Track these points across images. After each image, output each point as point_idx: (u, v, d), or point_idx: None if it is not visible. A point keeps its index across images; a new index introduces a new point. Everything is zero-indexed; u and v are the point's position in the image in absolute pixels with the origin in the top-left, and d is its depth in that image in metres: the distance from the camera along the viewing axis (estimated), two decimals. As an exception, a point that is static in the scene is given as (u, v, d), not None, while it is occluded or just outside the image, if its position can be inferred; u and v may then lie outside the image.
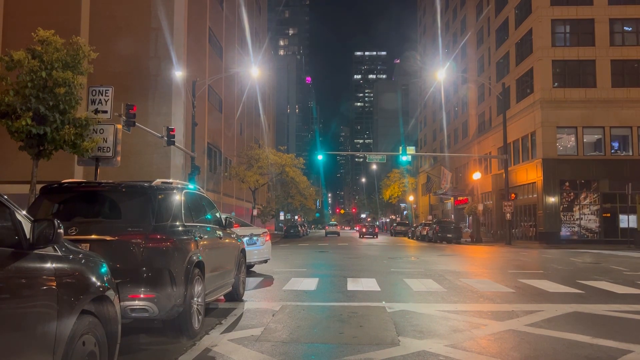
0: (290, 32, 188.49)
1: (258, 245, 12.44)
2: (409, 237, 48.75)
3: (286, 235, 49.92)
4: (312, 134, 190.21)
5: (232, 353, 4.87)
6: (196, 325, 5.61)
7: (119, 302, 3.72)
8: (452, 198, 53.62)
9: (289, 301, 8.02)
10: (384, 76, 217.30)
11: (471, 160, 47.92)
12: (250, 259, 11.28)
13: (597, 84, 32.70)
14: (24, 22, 24.22)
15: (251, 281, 10.61)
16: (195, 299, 5.59)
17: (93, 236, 4.96)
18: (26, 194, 12.64)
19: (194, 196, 6.53)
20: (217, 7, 39.05)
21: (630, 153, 32.39)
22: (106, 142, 14.31)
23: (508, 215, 31.04)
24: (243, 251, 8.48)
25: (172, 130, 22.63)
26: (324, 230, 74.78)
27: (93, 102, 14.39)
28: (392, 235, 60.20)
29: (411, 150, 38.80)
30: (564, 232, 31.90)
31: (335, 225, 70.97)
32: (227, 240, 7.41)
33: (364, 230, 51.55)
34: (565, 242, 30.62)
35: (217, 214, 7.52)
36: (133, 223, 5.20)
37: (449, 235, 35.86)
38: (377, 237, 49.59)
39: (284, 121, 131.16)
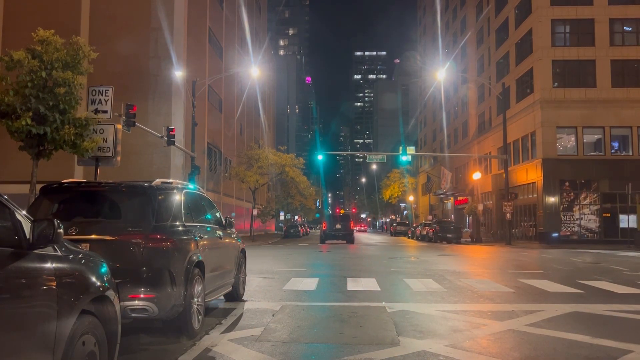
0: (290, 32, 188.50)
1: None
2: (408, 237, 48.76)
3: (286, 235, 49.91)
4: (312, 134, 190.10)
5: (232, 353, 4.87)
6: (196, 325, 5.61)
7: (119, 302, 3.71)
8: (452, 198, 53.62)
9: (289, 301, 8.01)
10: (384, 76, 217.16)
11: (471, 160, 47.90)
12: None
13: (597, 84, 32.68)
14: (24, 22, 24.20)
15: (251, 281, 10.60)
16: (195, 299, 5.59)
17: (93, 236, 4.95)
18: (26, 194, 12.64)
19: (194, 196, 6.53)
20: (217, 7, 39.07)
21: (630, 153, 32.39)
22: (106, 142, 14.31)
23: (508, 215, 31.03)
24: (243, 251, 8.47)
25: (172, 130, 22.63)
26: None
27: (93, 102, 14.41)
28: (392, 235, 60.22)
29: (411, 150, 38.82)
30: (564, 232, 31.89)
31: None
32: (227, 240, 7.41)
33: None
34: (565, 242, 30.59)
35: (217, 214, 7.52)
36: (133, 223, 5.19)
37: (449, 235, 35.85)
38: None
39: (284, 121, 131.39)
